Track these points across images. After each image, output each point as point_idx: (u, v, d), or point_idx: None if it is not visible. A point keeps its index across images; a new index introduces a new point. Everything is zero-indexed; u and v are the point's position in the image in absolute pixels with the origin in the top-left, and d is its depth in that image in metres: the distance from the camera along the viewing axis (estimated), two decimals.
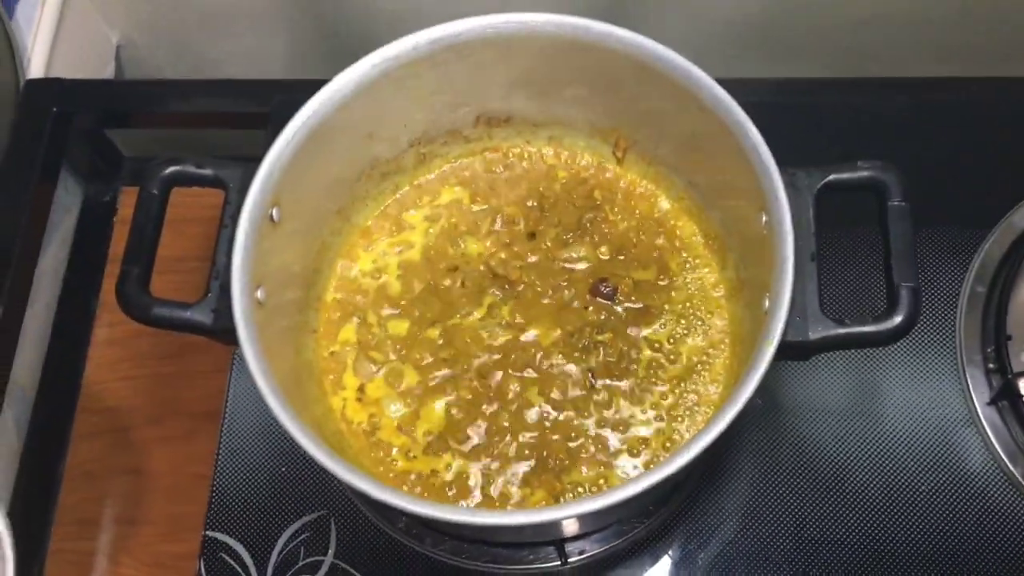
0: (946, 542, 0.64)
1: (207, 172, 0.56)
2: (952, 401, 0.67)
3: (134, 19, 0.91)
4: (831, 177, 0.54)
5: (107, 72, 0.92)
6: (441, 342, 0.62)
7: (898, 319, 0.51)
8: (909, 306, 0.51)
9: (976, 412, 0.67)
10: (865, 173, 0.54)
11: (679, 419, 0.60)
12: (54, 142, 0.79)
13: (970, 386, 0.67)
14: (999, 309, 0.68)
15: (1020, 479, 0.65)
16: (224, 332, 0.53)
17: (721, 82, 0.55)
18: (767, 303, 0.52)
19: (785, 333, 0.50)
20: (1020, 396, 0.65)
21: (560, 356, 0.62)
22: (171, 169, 0.56)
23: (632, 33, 0.55)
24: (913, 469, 0.66)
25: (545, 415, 0.60)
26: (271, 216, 0.55)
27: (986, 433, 0.66)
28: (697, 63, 0.55)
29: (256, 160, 0.55)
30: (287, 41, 0.94)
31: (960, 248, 0.71)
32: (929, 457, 0.66)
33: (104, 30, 0.92)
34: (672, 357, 0.61)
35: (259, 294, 0.54)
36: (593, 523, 0.62)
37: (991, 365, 0.67)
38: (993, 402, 0.66)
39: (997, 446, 0.66)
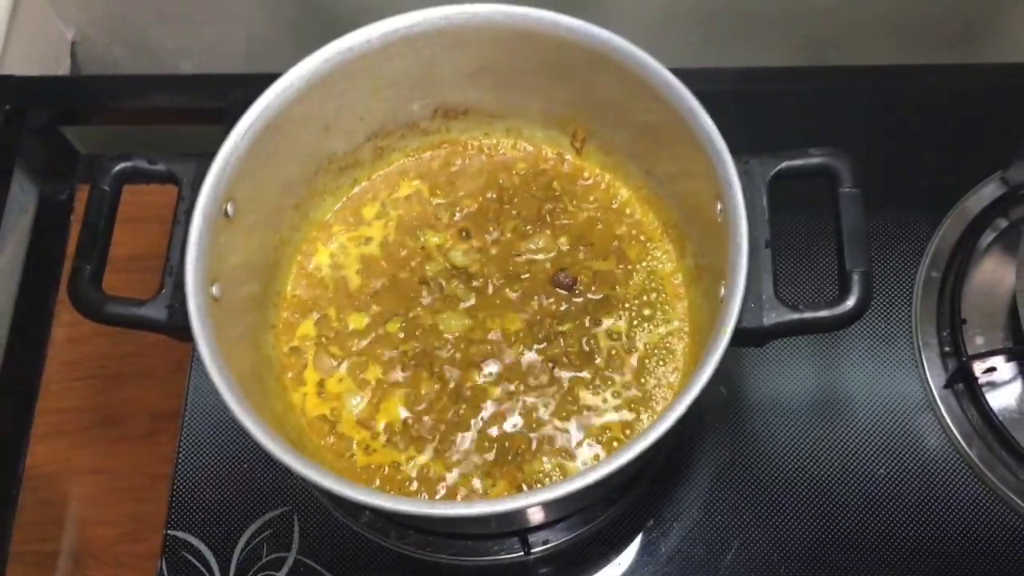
0: (906, 525, 0.65)
1: (160, 167, 0.56)
2: (909, 386, 0.68)
3: (89, 14, 0.90)
4: (783, 164, 0.55)
5: (62, 68, 0.91)
6: (402, 336, 0.62)
7: (850, 303, 0.52)
8: (861, 291, 0.52)
9: (932, 396, 0.67)
10: (817, 160, 0.55)
11: (640, 408, 0.60)
12: (7, 140, 0.78)
13: (926, 370, 0.68)
14: (953, 293, 0.68)
15: (976, 461, 0.65)
16: (179, 329, 0.53)
17: (679, 71, 0.55)
18: (723, 290, 0.52)
19: (740, 319, 0.50)
20: (975, 379, 0.65)
21: (521, 347, 0.62)
22: (122, 165, 0.56)
23: (581, 22, 0.55)
24: (871, 454, 0.66)
25: (506, 406, 0.60)
26: (226, 211, 0.55)
27: (942, 416, 0.67)
28: (659, 52, 0.55)
29: (211, 156, 0.54)
30: (248, 35, 0.93)
31: (915, 233, 0.72)
32: (887, 442, 0.67)
33: (58, 25, 0.90)
34: (632, 346, 0.62)
35: (214, 290, 0.53)
36: (555, 512, 0.62)
37: (946, 349, 0.68)
38: (949, 385, 0.67)
39: (953, 429, 0.66)
